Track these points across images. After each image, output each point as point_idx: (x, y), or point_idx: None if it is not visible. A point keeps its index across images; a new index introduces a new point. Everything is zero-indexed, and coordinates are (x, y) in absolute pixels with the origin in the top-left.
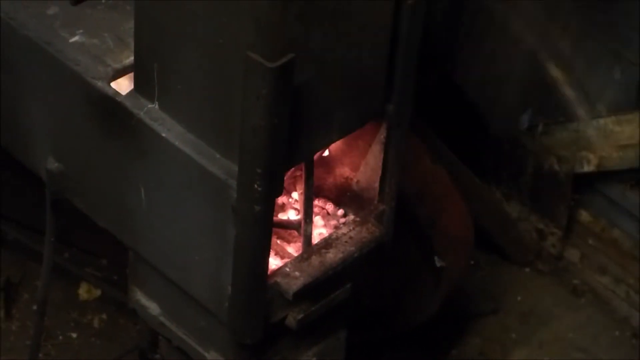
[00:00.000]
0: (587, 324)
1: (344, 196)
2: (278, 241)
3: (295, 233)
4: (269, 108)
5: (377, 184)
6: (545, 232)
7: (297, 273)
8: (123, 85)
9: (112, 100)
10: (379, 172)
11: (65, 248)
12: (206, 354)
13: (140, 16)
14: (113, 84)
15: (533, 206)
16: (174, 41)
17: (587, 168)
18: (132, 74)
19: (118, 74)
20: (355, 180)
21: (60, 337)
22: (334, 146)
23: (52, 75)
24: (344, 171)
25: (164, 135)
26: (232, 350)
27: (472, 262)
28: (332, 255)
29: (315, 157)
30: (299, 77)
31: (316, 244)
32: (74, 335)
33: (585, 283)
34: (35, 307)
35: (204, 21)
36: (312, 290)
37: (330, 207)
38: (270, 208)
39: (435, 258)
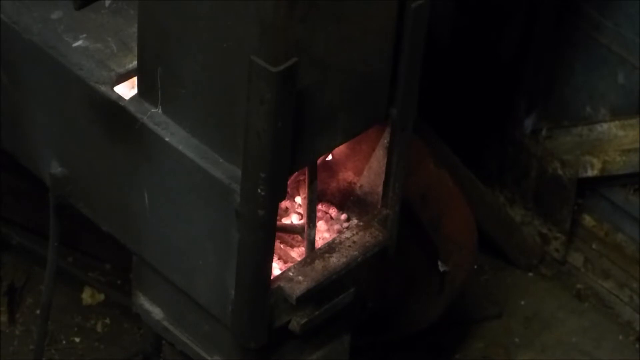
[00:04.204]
0: (591, 328)
1: (347, 200)
2: (281, 245)
3: (299, 237)
4: (273, 112)
5: (380, 189)
6: (549, 236)
7: (300, 277)
8: (127, 90)
9: (115, 105)
10: (383, 176)
11: (69, 252)
12: (210, 359)
13: (144, 20)
14: (116, 89)
15: (537, 210)
16: (178, 45)
17: (590, 172)
18: (135, 79)
19: (121, 78)
20: (358, 184)
21: (64, 342)
22: (338, 150)
23: (56, 80)
24: (347, 175)
25: (167, 139)
26: (236, 355)
27: (475, 266)
28: (336, 260)
29: (319, 161)
30: (302, 81)
31: (319, 249)
32: (78, 339)
33: (589, 287)
34: (38, 312)
35: (207, 25)
36: (316, 295)
37: (333, 211)
38: (274, 212)
39: (439, 262)
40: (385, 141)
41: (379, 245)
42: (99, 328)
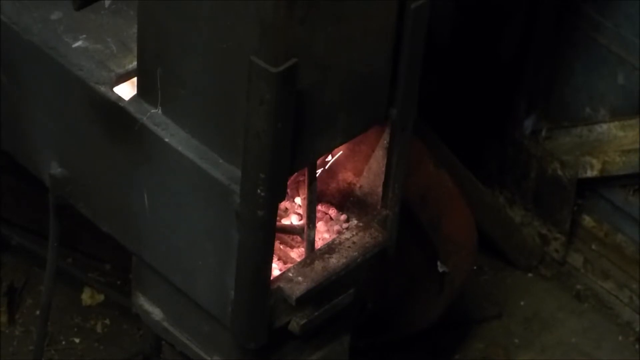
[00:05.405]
0: (590, 328)
1: (347, 201)
2: (281, 246)
3: (298, 238)
4: (273, 113)
5: (380, 189)
6: (549, 237)
7: (300, 278)
8: (126, 91)
9: (115, 106)
10: (382, 177)
11: (68, 253)
12: (209, 359)
13: (144, 21)
14: (116, 89)
15: (536, 211)
16: (178, 46)
17: (590, 173)
18: (135, 79)
19: (121, 79)
20: (358, 185)
21: (64, 342)
22: (338, 151)
23: (56, 80)
24: (347, 176)
25: (167, 140)
26: (236, 355)
27: (475, 267)
28: (335, 261)
29: (319, 162)
30: (302, 82)
31: (319, 249)
32: (77, 340)
33: (589, 288)
34: (38, 312)
35: (207, 25)
36: (315, 296)
37: (333, 212)
38: (274, 213)
39: (439, 263)
40: (385, 142)
41: (378, 246)
42: (98, 328)
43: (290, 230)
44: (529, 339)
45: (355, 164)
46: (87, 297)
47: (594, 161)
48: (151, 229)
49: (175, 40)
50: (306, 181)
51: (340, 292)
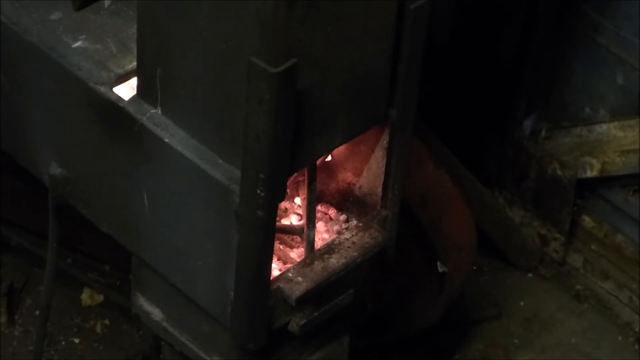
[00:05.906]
0: (590, 329)
1: (346, 201)
2: (281, 246)
3: (298, 238)
4: (272, 113)
5: (379, 189)
6: (548, 237)
7: (299, 278)
8: (126, 91)
9: (114, 106)
10: (382, 177)
11: (68, 253)
12: (209, 359)
13: (143, 21)
14: (116, 89)
15: (536, 211)
16: (177, 46)
17: (590, 173)
18: (135, 80)
19: (121, 79)
20: (358, 185)
21: (63, 343)
22: (337, 151)
23: (55, 81)
24: (346, 176)
25: (166, 140)
26: (235, 355)
27: (475, 267)
28: (335, 261)
29: (318, 162)
30: (302, 82)
31: (319, 250)
32: (77, 340)
33: (588, 288)
34: (38, 312)
35: (207, 26)
36: (315, 296)
37: (332, 212)
38: (273, 213)
39: (438, 263)
40: (385, 142)
41: (378, 246)
42: (98, 329)
43: (290, 230)
44: (529, 339)
45: (355, 164)
46: (86, 297)
47: (594, 161)
48: (151, 229)
49: (175, 40)
50: (306, 181)
51: (340, 292)
